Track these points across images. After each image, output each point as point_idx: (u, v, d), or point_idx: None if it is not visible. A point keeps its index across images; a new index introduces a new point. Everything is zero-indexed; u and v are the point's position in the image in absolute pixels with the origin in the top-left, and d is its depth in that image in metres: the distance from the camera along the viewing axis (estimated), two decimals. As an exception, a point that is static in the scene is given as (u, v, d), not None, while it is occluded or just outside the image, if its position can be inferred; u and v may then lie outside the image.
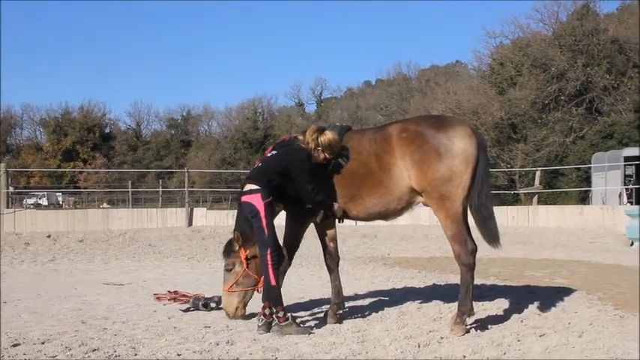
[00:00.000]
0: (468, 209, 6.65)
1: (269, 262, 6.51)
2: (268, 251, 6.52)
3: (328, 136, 6.74)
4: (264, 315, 6.60)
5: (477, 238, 6.73)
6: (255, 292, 7.19)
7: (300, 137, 6.89)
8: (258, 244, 6.65)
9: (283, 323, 6.47)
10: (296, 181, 6.68)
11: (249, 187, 6.68)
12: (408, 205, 6.87)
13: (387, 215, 7.04)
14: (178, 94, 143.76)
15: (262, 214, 6.53)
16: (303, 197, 6.76)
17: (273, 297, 6.57)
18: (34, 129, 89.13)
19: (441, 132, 6.53)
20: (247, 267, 7.04)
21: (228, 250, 7.17)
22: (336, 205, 6.85)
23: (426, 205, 6.82)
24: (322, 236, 7.37)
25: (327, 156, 6.76)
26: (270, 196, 6.60)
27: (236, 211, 7.42)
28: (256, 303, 7.01)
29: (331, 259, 7.37)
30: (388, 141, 6.71)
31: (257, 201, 6.57)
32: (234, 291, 7.10)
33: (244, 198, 6.71)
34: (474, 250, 6.56)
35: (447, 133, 6.51)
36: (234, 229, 7.14)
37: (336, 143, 6.76)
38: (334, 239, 7.39)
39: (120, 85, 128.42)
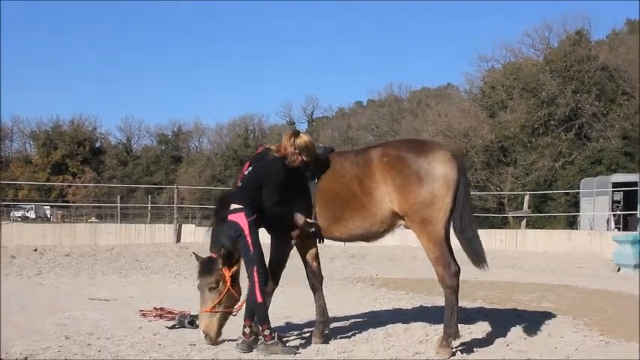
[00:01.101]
0: (452, 232, 6.70)
1: (256, 280, 6.49)
2: (255, 268, 6.51)
3: (304, 138, 6.78)
4: (244, 334, 6.59)
5: (464, 260, 6.75)
6: (231, 314, 7.03)
7: (273, 147, 6.86)
8: (245, 262, 6.63)
9: (269, 342, 6.45)
10: (264, 190, 6.61)
11: (233, 206, 6.65)
12: (389, 228, 6.93)
13: (368, 237, 7.10)
14: (169, 110, 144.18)
15: (247, 232, 6.52)
16: (264, 203, 6.64)
17: (259, 315, 6.55)
18: (24, 142, 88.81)
19: (421, 157, 6.61)
20: (232, 286, 6.92)
21: (210, 268, 6.93)
22: (300, 219, 6.75)
23: (407, 227, 6.85)
24: (304, 255, 7.38)
25: (305, 159, 6.73)
26: (253, 214, 6.59)
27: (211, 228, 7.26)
28: (232, 323, 6.94)
29: (314, 279, 7.37)
30: (369, 165, 6.77)
31: (241, 219, 6.56)
32: (216, 312, 6.85)
33: (229, 217, 6.66)
34: (458, 271, 6.59)
35: (427, 158, 6.59)
36: (214, 246, 7.01)
37: (312, 145, 6.79)
38: (316, 258, 7.39)
39: (111, 100, 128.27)
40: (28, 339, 7.02)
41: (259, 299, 6.50)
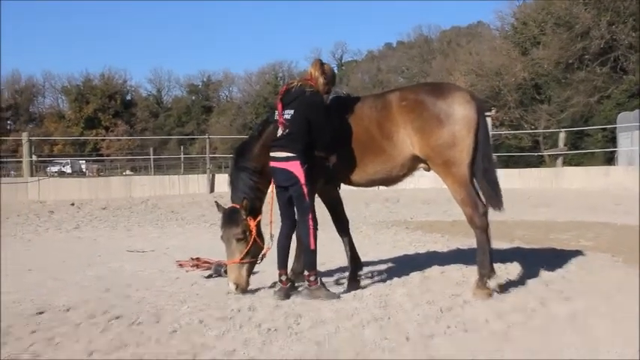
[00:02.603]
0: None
1: (310, 227, 6.52)
2: (310, 216, 6.53)
3: (328, 65, 6.97)
4: (281, 281, 6.65)
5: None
6: (257, 263, 7.05)
7: (306, 81, 6.73)
8: (299, 211, 6.60)
9: (313, 287, 6.53)
10: (315, 128, 6.53)
11: (282, 154, 6.53)
12: (409, 171, 6.93)
13: (389, 181, 7.09)
14: (198, 61, 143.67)
15: (303, 181, 6.47)
16: (320, 140, 6.58)
17: (309, 261, 6.62)
18: (56, 97, 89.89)
19: (440, 99, 6.57)
20: (257, 236, 6.91)
21: (234, 219, 6.87)
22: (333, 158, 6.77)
23: (427, 170, 6.81)
24: (327, 201, 7.40)
25: (327, 88, 6.80)
26: (306, 162, 6.52)
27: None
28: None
29: (340, 223, 7.39)
30: (388, 109, 6.72)
31: (296, 168, 6.47)
32: (244, 262, 6.86)
33: (279, 165, 6.54)
34: (486, 211, 6.59)
35: (446, 100, 6.55)
36: (236, 197, 6.95)
37: (333, 72, 6.97)
38: (340, 202, 7.40)
39: (140, 52, 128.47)
40: (69, 291, 7.15)
41: (312, 246, 6.53)
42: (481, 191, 6.67)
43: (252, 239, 6.87)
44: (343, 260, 7.69)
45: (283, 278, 6.67)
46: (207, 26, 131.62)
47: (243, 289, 6.86)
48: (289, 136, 6.55)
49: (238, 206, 6.88)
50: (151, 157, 35.19)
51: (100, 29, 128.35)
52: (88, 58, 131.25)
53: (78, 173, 55.07)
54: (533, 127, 42.69)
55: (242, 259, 6.84)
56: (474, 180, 6.64)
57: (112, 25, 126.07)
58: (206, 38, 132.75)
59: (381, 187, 18.61)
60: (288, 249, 6.78)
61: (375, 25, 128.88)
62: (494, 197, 6.65)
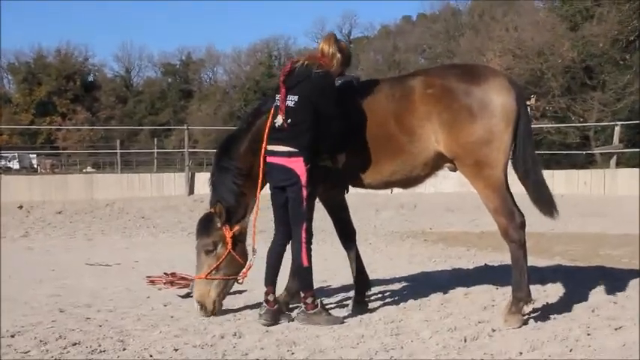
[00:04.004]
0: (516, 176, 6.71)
1: (303, 239, 6.57)
2: (303, 227, 6.58)
3: (344, 43, 7.00)
4: (267, 302, 6.66)
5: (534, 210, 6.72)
6: (236, 282, 7.13)
7: (315, 59, 6.71)
8: (292, 219, 6.64)
9: (311, 311, 6.57)
10: (323, 118, 6.56)
11: (283, 148, 6.57)
12: (432, 172, 6.98)
13: (408, 183, 7.16)
14: (176, 35, 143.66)
15: (304, 182, 6.51)
16: (328, 134, 6.61)
17: (304, 280, 6.67)
18: (1, 77, 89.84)
19: (473, 86, 6.55)
20: (233, 249, 6.95)
21: (207, 227, 6.95)
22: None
23: (452, 170, 6.85)
24: (330, 207, 7.46)
25: (341, 70, 6.84)
26: (311, 160, 6.57)
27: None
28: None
29: (345, 234, 7.46)
30: (410, 98, 6.71)
31: (299, 166, 6.52)
32: (212, 279, 6.90)
33: (278, 160, 6.59)
34: (523, 222, 6.57)
35: (481, 87, 6.53)
36: (214, 201, 7.01)
37: (349, 52, 7.00)
38: (345, 208, 7.48)
39: (105, 24, 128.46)
40: (16, 313, 7.16)
41: (305, 262, 6.58)
42: (528, 195, 6.69)
43: (226, 253, 6.91)
44: (348, 277, 7.74)
45: (270, 298, 6.66)
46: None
47: (209, 310, 6.89)
48: (292, 128, 6.55)
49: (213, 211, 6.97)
50: (118, 151, 35.18)
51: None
52: (40, 29, 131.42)
53: (27, 169, 55.19)
54: (582, 119, 42.66)
55: (208, 274, 6.89)
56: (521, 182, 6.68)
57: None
58: (186, 7, 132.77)
59: (395, 191, 18.71)
60: (280, 262, 6.82)
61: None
62: (544, 201, 6.69)
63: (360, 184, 7.09)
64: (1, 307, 7.01)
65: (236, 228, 6.97)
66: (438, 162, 6.83)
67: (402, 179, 7.01)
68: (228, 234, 6.92)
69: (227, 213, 6.91)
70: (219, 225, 6.91)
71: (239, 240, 7.01)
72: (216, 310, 6.96)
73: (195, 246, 7.10)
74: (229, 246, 6.92)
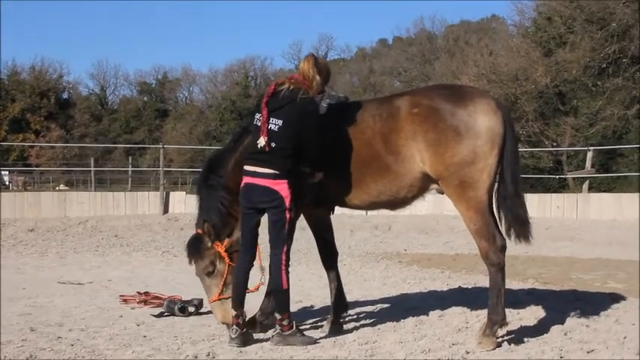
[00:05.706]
0: (494, 198, 6.74)
1: (283, 262, 6.57)
2: (284, 250, 6.59)
3: (322, 59, 7.19)
4: (237, 325, 6.62)
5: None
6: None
7: (299, 83, 6.67)
8: (273, 241, 6.62)
9: (287, 332, 6.56)
10: (304, 144, 6.58)
11: (265, 170, 6.54)
12: (419, 193, 6.99)
13: (394, 204, 7.17)
14: (152, 54, 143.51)
15: (288, 205, 6.52)
16: (306, 157, 6.65)
17: (281, 302, 6.65)
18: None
19: (460, 107, 6.58)
20: (231, 260, 6.92)
21: (199, 250, 6.95)
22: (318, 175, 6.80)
23: (441, 192, 6.87)
24: (315, 227, 7.47)
25: (322, 87, 6.83)
26: (294, 184, 6.56)
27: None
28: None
29: (327, 255, 7.46)
30: (396, 117, 6.74)
31: (283, 189, 6.52)
32: (225, 298, 6.87)
33: (259, 181, 6.54)
34: (504, 246, 6.61)
35: (467, 108, 6.56)
36: (201, 221, 7.01)
37: (328, 69, 7.01)
38: (329, 230, 7.48)
39: (80, 41, 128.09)
40: (-15, 331, 7.11)
41: (284, 285, 6.57)
42: (504, 217, 6.74)
43: (226, 267, 6.91)
44: (322, 298, 7.75)
45: (240, 321, 6.64)
46: (164, 12, 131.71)
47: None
48: (276, 152, 6.55)
49: (201, 232, 6.94)
50: (92, 169, 34.95)
51: (31, 11, 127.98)
52: (14, 46, 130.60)
53: (0, 186, 54.69)
54: (555, 143, 43.02)
55: (220, 295, 6.88)
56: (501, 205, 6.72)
57: (45, 6, 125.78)
58: (162, 26, 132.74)
59: (369, 212, 18.75)
60: (246, 286, 6.78)
61: (368, 17, 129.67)
62: (520, 226, 6.73)
63: (347, 204, 7.12)
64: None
65: (226, 242, 6.97)
66: (424, 183, 6.85)
67: (389, 200, 7.02)
68: (221, 249, 6.92)
69: (214, 229, 6.90)
70: (209, 244, 6.91)
71: (233, 250, 6.97)
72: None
73: (195, 272, 7.07)
74: (227, 260, 6.92)
